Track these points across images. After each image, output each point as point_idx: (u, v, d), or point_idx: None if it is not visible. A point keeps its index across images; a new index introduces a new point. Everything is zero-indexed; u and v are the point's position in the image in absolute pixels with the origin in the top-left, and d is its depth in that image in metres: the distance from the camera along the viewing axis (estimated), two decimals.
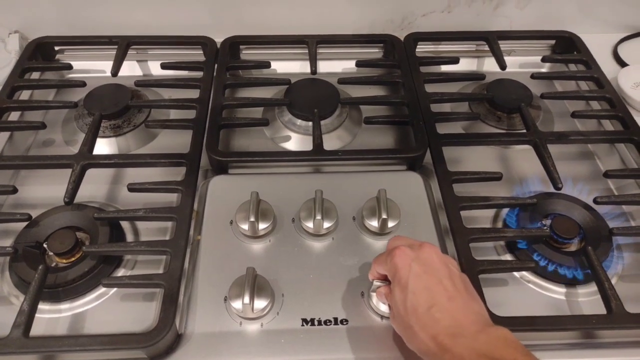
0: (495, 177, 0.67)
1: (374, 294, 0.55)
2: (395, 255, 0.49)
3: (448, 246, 0.62)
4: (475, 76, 0.84)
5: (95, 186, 0.69)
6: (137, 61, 0.88)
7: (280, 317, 0.55)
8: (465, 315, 0.45)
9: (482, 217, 0.68)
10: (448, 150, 0.71)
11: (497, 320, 0.53)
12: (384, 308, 0.54)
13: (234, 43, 0.87)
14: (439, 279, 0.47)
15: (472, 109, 0.82)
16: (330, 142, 0.75)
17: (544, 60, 0.88)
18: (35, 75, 0.85)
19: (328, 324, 0.55)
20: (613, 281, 0.59)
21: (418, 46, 0.88)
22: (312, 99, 0.78)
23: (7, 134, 0.75)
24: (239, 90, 0.84)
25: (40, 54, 0.86)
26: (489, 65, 0.89)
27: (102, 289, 0.59)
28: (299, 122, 0.77)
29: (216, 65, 0.83)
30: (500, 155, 0.76)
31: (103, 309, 0.58)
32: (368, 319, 0.56)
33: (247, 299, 0.52)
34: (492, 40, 0.86)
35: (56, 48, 0.88)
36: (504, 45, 0.87)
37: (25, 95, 0.82)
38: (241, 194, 0.63)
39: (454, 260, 0.51)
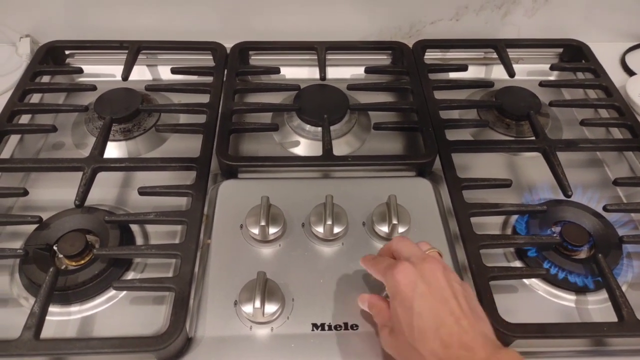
0: (505, 184, 0.67)
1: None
2: (398, 272, 0.48)
3: (458, 252, 0.62)
4: (483, 83, 0.85)
5: (104, 189, 0.70)
6: (147, 66, 0.88)
7: (291, 322, 0.55)
8: (473, 339, 0.43)
9: (490, 224, 0.68)
10: (456, 156, 0.71)
11: (509, 327, 0.53)
12: None
13: (244, 49, 0.87)
14: (445, 299, 0.46)
15: (480, 116, 0.82)
16: (339, 148, 0.75)
17: (552, 68, 0.88)
18: (45, 78, 0.85)
19: (338, 329, 0.55)
20: (623, 289, 0.58)
21: (426, 53, 0.89)
22: (321, 105, 0.78)
23: (17, 137, 0.76)
24: (248, 96, 0.84)
25: (51, 57, 0.87)
26: (497, 72, 0.90)
27: (112, 292, 0.59)
28: (307, 127, 0.78)
29: (226, 71, 0.83)
30: (508, 162, 0.76)
31: (112, 312, 0.58)
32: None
33: (257, 303, 0.52)
34: (501, 48, 0.87)
35: (67, 52, 0.89)
36: (511, 53, 0.87)
37: (35, 98, 0.82)
38: (251, 199, 0.63)
39: (456, 274, 0.50)
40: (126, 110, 0.77)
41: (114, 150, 0.75)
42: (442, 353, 0.43)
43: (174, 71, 0.84)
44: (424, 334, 0.44)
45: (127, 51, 0.84)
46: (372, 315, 0.54)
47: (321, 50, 0.86)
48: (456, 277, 0.49)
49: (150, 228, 0.66)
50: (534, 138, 0.75)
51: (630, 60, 0.93)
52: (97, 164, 0.67)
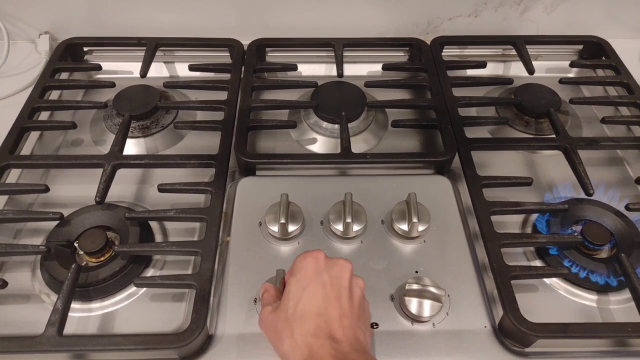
0: (525, 182, 0.67)
1: (405, 298, 0.55)
2: (311, 255, 0.49)
3: (478, 251, 0.62)
4: (502, 80, 0.84)
5: (122, 186, 0.70)
6: (165, 63, 0.89)
7: None
8: (346, 336, 0.45)
9: (509, 222, 0.67)
10: (476, 154, 0.70)
11: (531, 327, 0.53)
12: (414, 311, 0.54)
13: (261, 45, 0.87)
14: (339, 296, 0.47)
15: (499, 114, 0.81)
16: (356, 145, 0.75)
17: (572, 65, 0.87)
18: (64, 75, 0.86)
19: None
20: None
21: (444, 50, 0.88)
22: (338, 102, 0.78)
23: (37, 133, 0.77)
24: (265, 93, 0.84)
25: (70, 54, 0.87)
26: (515, 69, 0.89)
27: (132, 289, 0.60)
28: (324, 124, 0.77)
29: (243, 68, 0.83)
30: (527, 160, 0.76)
31: (132, 309, 0.59)
32: (399, 323, 0.55)
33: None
34: (520, 45, 0.86)
35: (85, 49, 0.89)
36: (531, 49, 0.87)
37: (54, 95, 0.83)
38: (269, 196, 0.63)
39: (363, 283, 0.51)
40: (144, 107, 0.77)
41: (132, 147, 0.76)
42: (311, 339, 0.44)
43: (191, 68, 0.84)
44: (304, 315, 0.46)
45: (145, 48, 0.84)
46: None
47: (338, 47, 0.85)
48: (362, 286, 0.50)
49: (168, 225, 0.66)
50: (554, 136, 0.74)
51: None
52: (117, 160, 0.67)
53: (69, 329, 0.54)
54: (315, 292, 0.47)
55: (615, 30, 0.92)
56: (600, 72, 0.89)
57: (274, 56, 0.90)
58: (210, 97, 0.79)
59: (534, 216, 0.67)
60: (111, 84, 0.80)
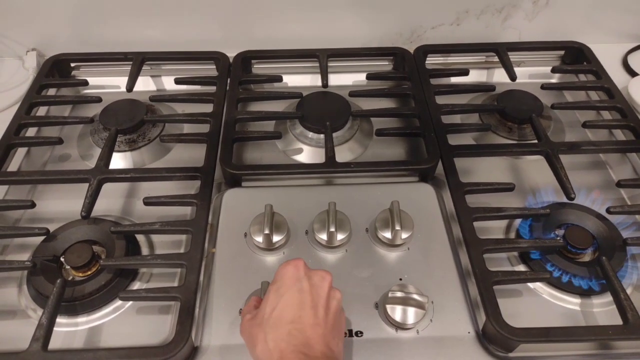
0: (507, 187, 0.67)
1: (388, 306, 0.55)
2: (291, 264, 0.50)
3: (461, 257, 0.62)
4: (485, 87, 0.85)
5: (109, 200, 0.70)
6: (151, 76, 0.90)
7: None
8: (318, 344, 0.45)
9: (494, 228, 0.68)
10: (459, 161, 0.71)
11: (513, 331, 0.53)
12: (398, 318, 0.55)
13: (246, 58, 0.88)
14: (316, 305, 0.47)
15: (482, 120, 0.82)
16: (342, 154, 0.75)
17: (553, 70, 0.88)
18: (51, 91, 0.87)
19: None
20: (628, 291, 0.58)
21: (428, 58, 0.89)
22: (323, 112, 0.79)
23: (24, 150, 0.77)
24: (251, 104, 0.85)
25: (57, 70, 0.88)
26: (498, 76, 0.90)
27: (118, 302, 0.60)
28: (310, 134, 0.78)
29: (229, 80, 0.84)
30: (510, 166, 0.76)
31: (119, 322, 0.59)
32: (383, 331, 0.56)
33: None
34: (502, 52, 0.87)
35: (72, 65, 0.90)
36: (513, 56, 0.88)
37: (42, 111, 0.83)
38: (255, 207, 0.64)
39: (341, 296, 0.51)
40: (131, 121, 0.78)
41: (119, 161, 0.76)
42: (283, 345, 0.44)
43: (177, 81, 0.85)
44: (279, 321, 0.46)
45: (131, 62, 0.85)
46: None
47: (323, 58, 0.86)
48: (339, 299, 0.51)
49: (155, 238, 0.67)
50: (536, 141, 0.75)
51: (633, 61, 0.93)
52: (102, 175, 0.68)
53: (55, 344, 0.55)
54: (292, 298, 0.47)
55: (596, 35, 0.93)
56: (582, 77, 0.90)
57: (259, 68, 0.91)
58: (197, 109, 0.79)
59: (518, 221, 0.68)
60: (98, 99, 0.81)
